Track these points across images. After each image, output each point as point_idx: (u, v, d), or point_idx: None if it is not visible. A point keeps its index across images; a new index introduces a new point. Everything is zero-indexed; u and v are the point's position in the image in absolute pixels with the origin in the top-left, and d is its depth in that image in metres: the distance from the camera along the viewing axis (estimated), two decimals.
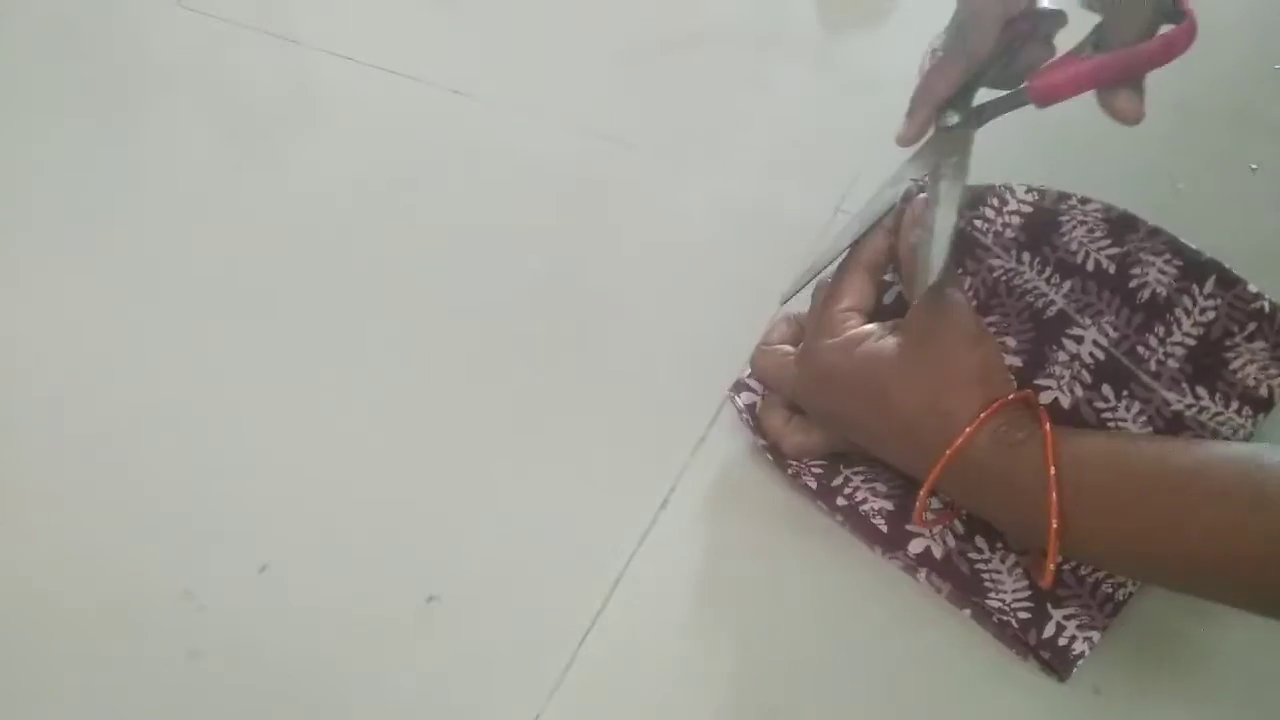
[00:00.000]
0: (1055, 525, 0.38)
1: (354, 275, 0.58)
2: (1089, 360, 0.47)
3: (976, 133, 0.47)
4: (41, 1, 0.73)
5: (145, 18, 0.72)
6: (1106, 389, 0.46)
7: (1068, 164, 0.61)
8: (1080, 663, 0.43)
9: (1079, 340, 0.47)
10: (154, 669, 0.45)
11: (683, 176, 0.61)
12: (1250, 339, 0.46)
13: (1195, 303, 0.47)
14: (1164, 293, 0.47)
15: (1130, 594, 0.44)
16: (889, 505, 0.46)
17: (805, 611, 0.46)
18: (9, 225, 0.61)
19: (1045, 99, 0.44)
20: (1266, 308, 0.46)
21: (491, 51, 0.69)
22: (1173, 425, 0.45)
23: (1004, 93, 0.46)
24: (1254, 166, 0.59)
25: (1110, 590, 0.44)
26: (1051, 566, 0.39)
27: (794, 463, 0.48)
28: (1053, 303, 0.48)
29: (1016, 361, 0.47)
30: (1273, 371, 0.46)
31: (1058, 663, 0.43)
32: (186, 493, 0.50)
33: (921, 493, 0.42)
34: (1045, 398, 0.46)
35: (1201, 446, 0.39)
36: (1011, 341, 0.48)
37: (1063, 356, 0.47)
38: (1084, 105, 0.63)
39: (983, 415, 0.40)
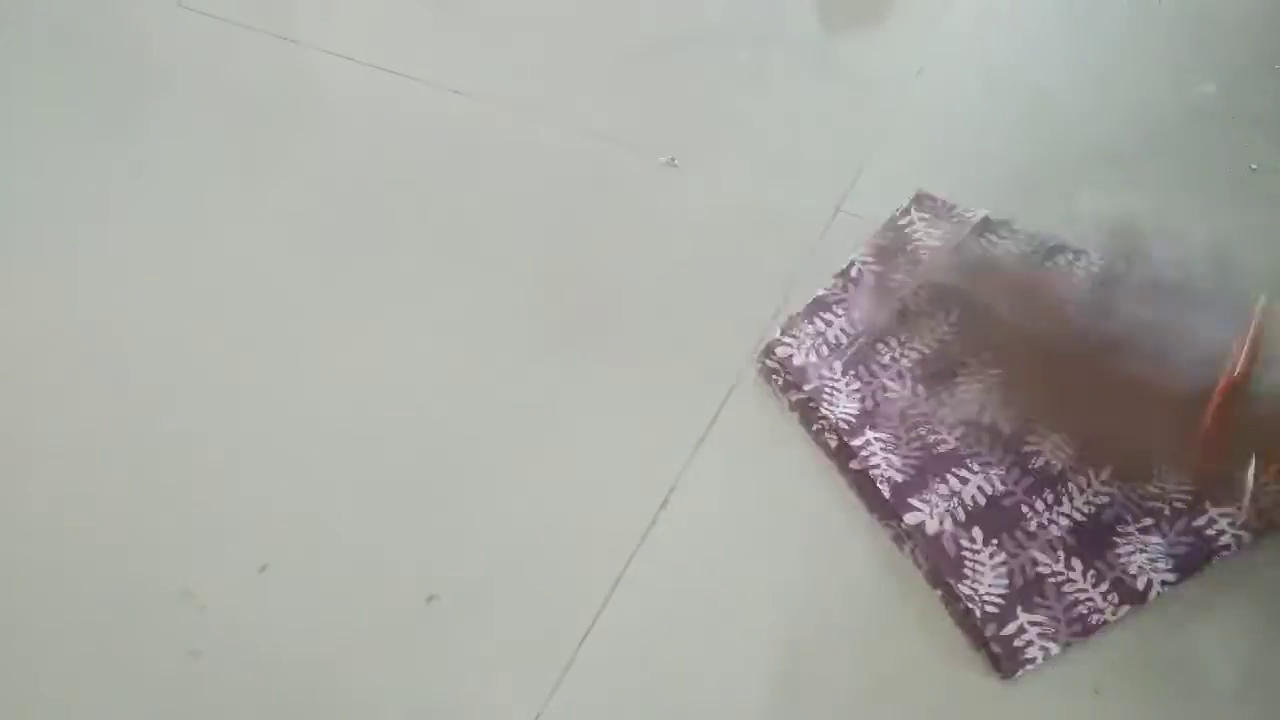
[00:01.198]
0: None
1: (352, 274, 0.58)
2: (969, 502, 0.47)
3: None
4: (42, 2, 0.73)
5: (145, 18, 0.72)
6: (976, 531, 0.47)
7: (1068, 165, 0.61)
8: (1029, 668, 0.43)
9: (964, 481, 0.48)
10: (154, 669, 0.45)
11: (683, 176, 0.61)
12: (1145, 532, 0.46)
13: (1090, 484, 0.48)
14: (1059, 467, 0.48)
15: (1105, 621, 0.44)
16: (898, 477, 0.48)
17: (805, 611, 0.46)
18: (10, 223, 0.61)
19: None
20: (1167, 510, 0.47)
21: (491, 51, 0.69)
22: (1032, 585, 0.45)
23: None
24: (1254, 166, 0.59)
25: (1085, 612, 0.44)
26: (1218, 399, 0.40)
27: (821, 420, 0.50)
28: (945, 442, 0.49)
29: (897, 477, 0.48)
30: (1160, 566, 0.45)
31: (1006, 659, 0.43)
32: (186, 493, 0.50)
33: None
34: (912, 518, 0.47)
35: None
36: (897, 460, 0.49)
37: (943, 489, 0.48)
38: (1083, 106, 0.63)
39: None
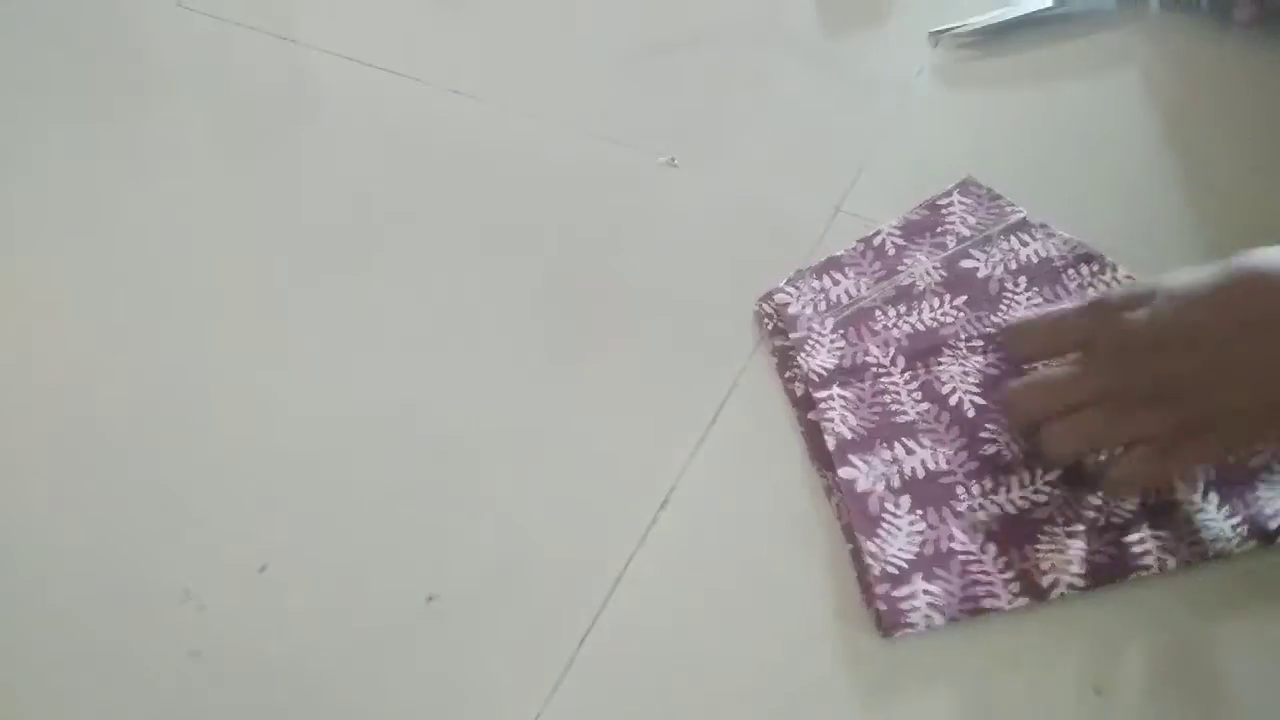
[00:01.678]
0: None
1: (351, 273, 0.58)
2: (908, 472, 0.48)
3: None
4: (42, 1, 0.73)
5: (145, 17, 0.72)
6: (905, 499, 0.47)
7: (1068, 164, 0.61)
8: (909, 632, 0.43)
9: (910, 452, 0.49)
10: (154, 669, 0.45)
11: (683, 176, 0.61)
12: (1072, 537, 0.46)
13: (1034, 480, 0.48)
14: (1009, 457, 0.48)
15: (999, 608, 0.44)
16: (848, 434, 0.49)
17: (803, 613, 0.46)
18: (7, 224, 0.61)
19: None
20: (1102, 521, 0.46)
21: (491, 51, 0.69)
22: (939, 558, 0.45)
23: None
24: (1253, 168, 0.59)
25: (980, 594, 0.44)
26: None
27: (794, 368, 0.51)
28: (906, 414, 0.50)
29: (847, 434, 0.49)
30: (1072, 570, 0.45)
31: (888, 618, 0.44)
32: (186, 492, 0.50)
33: None
34: (846, 473, 0.48)
35: None
36: (853, 419, 0.50)
37: (886, 455, 0.49)
38: (1082, 110, 0.63)
39: None
